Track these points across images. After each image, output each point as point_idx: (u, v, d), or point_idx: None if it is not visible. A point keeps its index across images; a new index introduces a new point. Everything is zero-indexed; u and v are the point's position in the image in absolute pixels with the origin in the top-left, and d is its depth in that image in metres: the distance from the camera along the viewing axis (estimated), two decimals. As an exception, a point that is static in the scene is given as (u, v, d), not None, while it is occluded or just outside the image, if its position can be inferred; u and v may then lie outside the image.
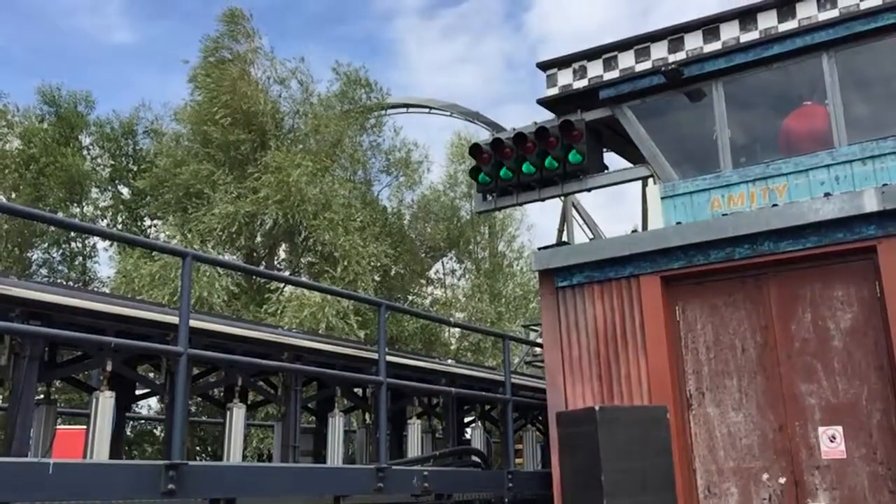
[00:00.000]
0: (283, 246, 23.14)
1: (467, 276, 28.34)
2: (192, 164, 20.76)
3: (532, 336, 19.89)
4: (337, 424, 7.38)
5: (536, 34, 74.52)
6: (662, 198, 8.40)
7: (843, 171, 7.57)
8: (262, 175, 19.90)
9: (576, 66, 9.20)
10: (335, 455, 7.25)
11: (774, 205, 7.45)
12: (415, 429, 8.41)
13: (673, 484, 5.26)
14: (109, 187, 24.68)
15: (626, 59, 8.89)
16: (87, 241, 24.25)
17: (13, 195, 22.64)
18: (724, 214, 7.69)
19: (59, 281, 22.27)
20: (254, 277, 20.27)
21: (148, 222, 24.07)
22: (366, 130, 24.31)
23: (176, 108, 23.11)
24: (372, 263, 20.41)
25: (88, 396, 6.20)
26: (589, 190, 9.40)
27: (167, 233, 20.50)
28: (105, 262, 34.61)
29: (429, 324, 22.49)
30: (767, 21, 8.18)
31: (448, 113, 26.13)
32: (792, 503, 6.69)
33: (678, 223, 7.91)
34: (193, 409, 16.91)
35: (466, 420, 10.67)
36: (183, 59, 24.99)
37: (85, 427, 5.68)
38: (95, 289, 21.19)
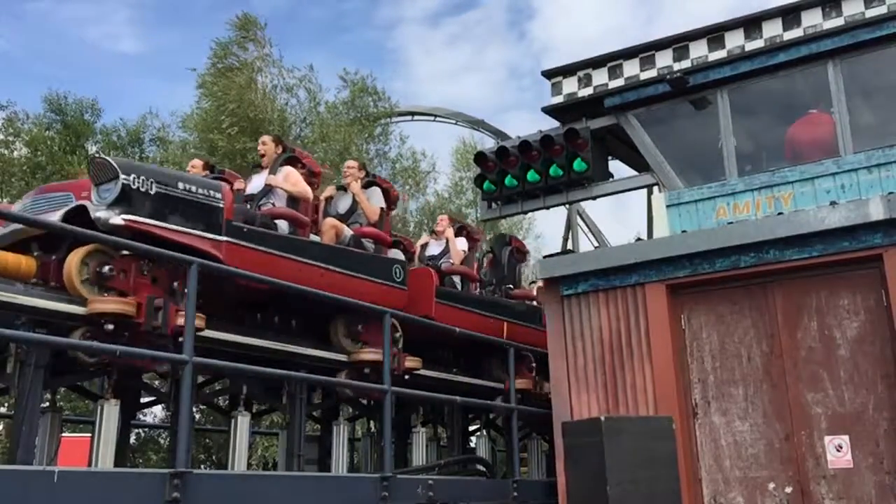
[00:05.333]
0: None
1: (473, 284, 28.26)
2: (198, 172, 20.80)
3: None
4: (342, 433, 7.37)
5: (540, 43, 74.60)
6: (667, 206, 8.40)
7: (848, 180, 7.56)
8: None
9: (581, 74, 9.21)
10: (340, 464, 7.24)
11: (780, 213, 7.44)
12: (420, 437, 8.39)
13: (680, 496, 5.23)
14: (115, 195, 24.68)
15: (631, 68, 8.91)
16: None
17: (20, 203, 22.70)
18: (729, 223, 7.68)
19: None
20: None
21: (154, 230, 24.07)
22: (373, 138, 24.31)
23: (183, 116, 23.18)
24: (377, 271, 20.32)
25: (93, 404, 6.20)
26: (594, 198, 9.39)
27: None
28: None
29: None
30: (772, 29, 8.19)
31: (453, 121, 26.12)
32: (798, 513, 6.66)
33: (683, 231, 7.90)
34: (198, 416, 16.91)
35: (471, 428, 10.65)
36: (190, 67, 25.03)
37: (90, 435, 5.69)
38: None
